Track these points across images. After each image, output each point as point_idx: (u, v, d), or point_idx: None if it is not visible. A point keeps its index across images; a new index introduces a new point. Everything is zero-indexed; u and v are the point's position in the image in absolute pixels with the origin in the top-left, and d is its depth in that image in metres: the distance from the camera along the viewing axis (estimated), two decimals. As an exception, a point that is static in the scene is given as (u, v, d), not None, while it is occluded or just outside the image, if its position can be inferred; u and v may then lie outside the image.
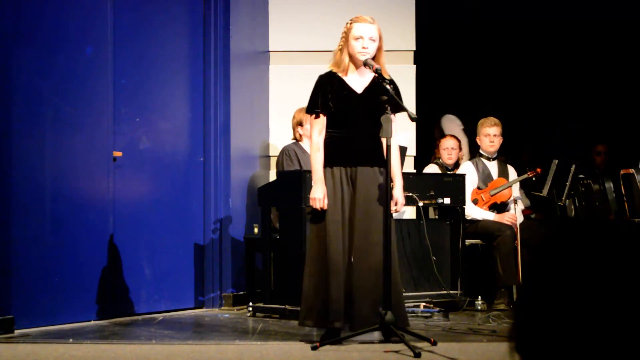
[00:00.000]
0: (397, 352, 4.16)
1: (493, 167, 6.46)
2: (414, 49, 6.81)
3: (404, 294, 5.31)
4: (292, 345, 4.50)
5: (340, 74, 4.60)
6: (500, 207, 6.36)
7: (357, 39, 4.52)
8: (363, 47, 4.51)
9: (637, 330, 1.56)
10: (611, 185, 7.21)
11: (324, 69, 4.67)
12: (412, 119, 4.41)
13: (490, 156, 6.45)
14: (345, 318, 4.43)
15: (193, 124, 6.19)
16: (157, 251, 5.87)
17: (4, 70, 4.96)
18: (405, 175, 5.69)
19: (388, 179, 4.39)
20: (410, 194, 5.70)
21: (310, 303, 4.48)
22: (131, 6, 5.75)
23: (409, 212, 6.50)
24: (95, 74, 5.48)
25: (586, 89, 9.08)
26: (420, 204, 5.78)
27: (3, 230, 4.90)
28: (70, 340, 4.66)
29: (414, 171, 6.72)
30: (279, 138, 6.60)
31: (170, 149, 6.03)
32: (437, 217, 6.61)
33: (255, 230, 6.15)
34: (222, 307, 6.16)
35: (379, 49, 4.56)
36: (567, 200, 7.23)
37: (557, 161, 6.74)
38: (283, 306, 5.51)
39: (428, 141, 8.13)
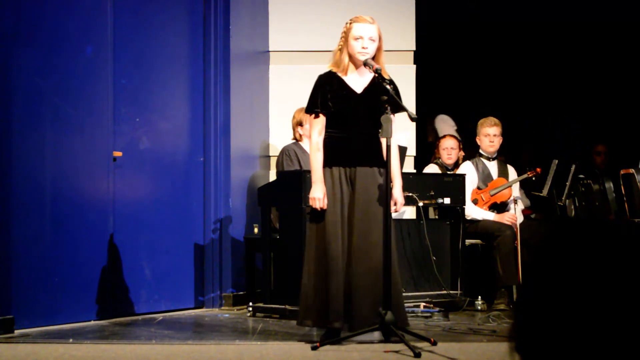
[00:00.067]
0: (397, 352, 4.16)
1: (493, 167, 6.46)
2: (414, 49, 6.81)
3: (404, 294, 5.31)
4: (292, 345, 4.50)
5: (340, 74, 4.60)
6: (500, 207, 6.36)
7: (356, 39, 4.52)
8: (363, 47, 4.51)
9: (637, 330, 1.56)
10: (611, 185, 7.21)
11: (324, 69, 4.67)
12: (412, 119, 4.41)
13: (490, 156, 6.45)
14: (344, 318, 4.43)
15: (193, 124, 6.19)
16: (157, 251, 5.87)
17: (4, 70, 4.96)
18: (405, 175, 5.69)
19: (388, 179, 4.39)
20: (410, 194, 5.70)
21: (310, 303, 4.48)
22: (131, 6, 5.75)
23: (409, 212, 6.50)
24: (95, 74, 5.48)
25: (586, 89, 9.08)
26: (420, 204, 5.78)
27: (3, 230, 4.90)
28: (70, 340, 4.66)
29: (414, 171, 6.72)
30: (279, 138, 6.60)
31: (170, 149, 6.03)
32: (437, 217, 6.61)
33: (255, 230, 6.15)
34: (222, 307, 6.16)
35: (379, 49, 4.56)
36: (567, 200, 7.23)
37: (557, 161, 6.73)
38: (283, 306, 5.51)
39: (428, 141, 8.13)
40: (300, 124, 6.13)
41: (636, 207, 6.37)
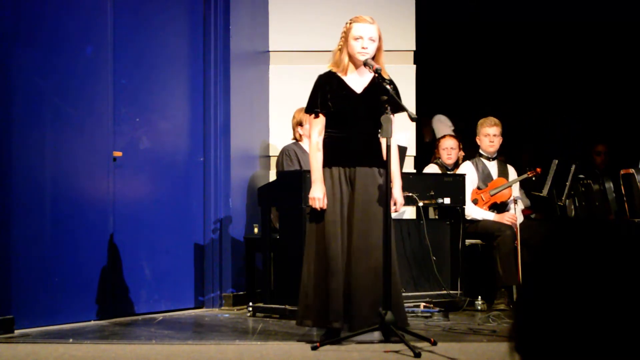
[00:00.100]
0: (397, 352, 4.16)
1: (493, 167, 6.46)
2: (414, 49, 6.81)
3: (404, 294, 5.31)
4: (292, 345, 4.50)
5: (339, 74, 4.60)
6: (500, 207, 6.36)
7: (356, 39, 4.52)
8: (363, 48, 4.51)
9: (637, 330, 1.56)
10: (611, 185, 7.21)
11: (324, 69, 4.67)
12: (412, 119, 4.41)
13: (490, 156, 6.45)
14: (344, 318, 4.43)
15: (193, 124, 6.19)
16: (157, 251, 5.87)
17: (4, 70, 4.96)
18: (405, 175, 5.69)
19: (388, 179, 4.39)
20: (410, 194, 5.71)
21: (310, 303, 4.48)
22: (131, 6, 5.75)
23: (409, 212, 6.50)
24: (95, 74, 5.48)
25: (586, 89, 9.08)
26: (420, 204, 5.78)
27: (3, 230, 4.90)
28: (70, 340, 4.65)
29: (414, 171, 6.72)
30: (279, 138, 6.60)
31: (170, 149, 6.03)
32: (437, 217, 6.60)
33: (255, 230, 6.15)
34: (222, 307, 6.16)
35: (379, 49, 4.56)
36: (567, 200, 7.23)
37: (557, 161, 6.74)
38: (283, 306, 5.51)
39: (432, 141, 8.13)
40: (300, 124, 6.13)
41: (636, 207, 6.37)
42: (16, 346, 4.53)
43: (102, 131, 5.51)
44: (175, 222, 6.00)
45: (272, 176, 6.55)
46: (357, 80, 4.60)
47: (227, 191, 6.23)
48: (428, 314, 5.52)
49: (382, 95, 4.39)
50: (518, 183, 6.56)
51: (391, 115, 4.33)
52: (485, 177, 6.40)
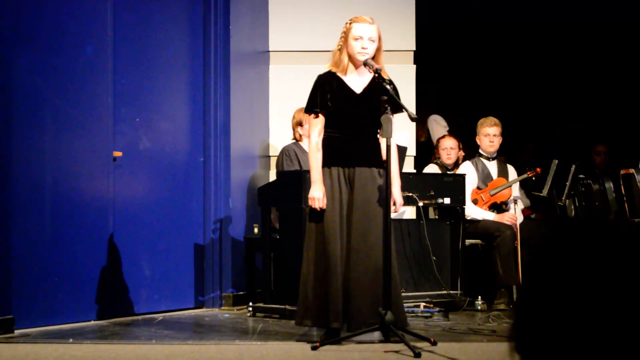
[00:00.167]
0: (397, 352, 4.16)
1: (493, 167, 6.46)
2: (414, 49, 6.81)
3: (404, 294, 5.32)
4: (292, 345, 4.50)
5: (339, 74, 4.60)
6: (500, 207, 6.36)
7: (356, 39, 4.52)
8: (362, 48, 4.51)
9: (637, 330, 1.56)
10: (611, 185, 7.21)
11: (324, 69, 4.67)
12: (412, 119, 4.40)
13: (489, 156, 6.45)
14: (343, 318, 4.43)
15: (193, 124, 6.19)
16: (157, 251, 5.87)
17: (4, 70, 4.96)
18: (405, 175, 5.70)
19: (388, 179, 4.39)
20: (410, 194, 5.71)
21: (309, 303, 4.48)
22: (131, 6, 5.75)
23: (409, 212, 6.50)
24: (95, 74, 5.48)
25: (586, 89, 9.08)
26: (420, 204, 5.78)
27: (3, 230, 4.90)
28: (70, 340, 4.66)
29: (414, 171, 6.72)
30: (279, 138, 6.60)
31: (170, 149, 6.03)
32: (437, 217, 6.60)
33: (255, 230, 6.15)
34: (222, 307, 6.16)
35: (378, 49, 4.56)
36: (567, 200, 7.23)
37: (557, 161, 6.74)
38: (283, 306, 5.51)
39: (428, 141, 8.13)
40: (300, 124, 6.13)
41: (636, 207, 6.37)
42: (16, 346, 4.53)
43: (102, 131, 5.51)
44: (175, 222, 6.00)
45: (272, 176, 6.55)
46: (357, 81, 4.60)
47: (227, 191, 6.23)
48: (428, 314, 5.52)
49: (382, 96, 4.39)
50: (518, 183, 6.56)
51: (391, 115, 4.33)
52: (485, 177, 6.40)
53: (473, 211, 6.28)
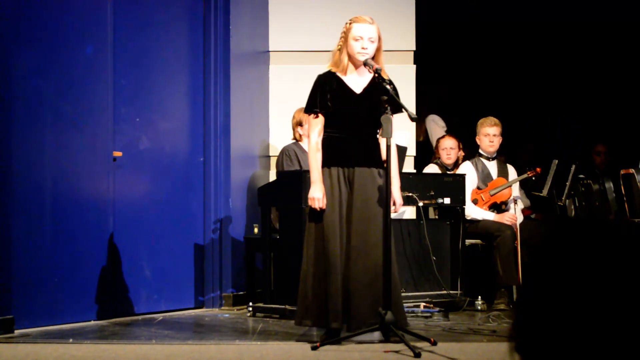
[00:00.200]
0: (397, 352, 4.16)
1: (492, 167, 6.46)
2: (414, 49, 6.81)
3: (404, 294, 5.32)
4: (292, 345, 4.50)
5: (339, 74, 4.60)
6: (500, 207, 6.36)
7: (356, 39, 4.52)
8: (362, 48, 4.51)
9: (637, 330, 1.56)
10: (611, 185, 7.21)
11: (324, 69, 4.67)
12: (412, 119, 4.40)
13: (489, 156, 6.45)
14: (343, 318, 4.43)
15: (193, 124, 6.19)
16: (157, 251, 5.87)
17: (4, 70, 4.96)
18: (405, 175, 5.70)
19: (389, 179, 4.39)
20: (410, 194, 5.70)
21: (309, 303, 4.48)
22: (131, 6, 5.75)
23: (409, 212, 6.50)
24: (95, 74, 5.48)
25: (586, 89, 9.08)
26: (420, 204, 5.78)
27: (3, 230, 4.90)
28: (70, 340, 4.66)
29: (414, 171, 6.72)
30: (279, 138, 6.60)
31: (170, 149, 6.03)
32: (437, 217, 6.60)
33: (255, 230, 6.15)
34: (222, 307, 6.16)
35: (378, 49, 4.56)
36: (567, 200, 7.23)
37: (557, 161, 6.74)
38: (283, 306, 5.51)
39: (426, 141, 8.14)
40: (300, 124, 6.13)
41: (636, 207, 6.37)
42: (16, 346, 4.53)
43: (102, 131, 5.51)
44: (175, 222, 6.00)
45: (272, 176, 6.55)
46: (357, 81, 4.60)
47: (227, 191, 6.23)
48: (428, 314, 5.52)
49: (381, 96, 4.39)
50: (518, 183, 6.56)
51: (391, 116, 4.33)
52: (485, 177, 6.40)
53: (473, 211, 6.28)
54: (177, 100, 6.10)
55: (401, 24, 6.75)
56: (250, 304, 5.75)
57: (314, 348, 4.26)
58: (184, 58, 6.15)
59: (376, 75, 4.44)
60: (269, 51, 6.82)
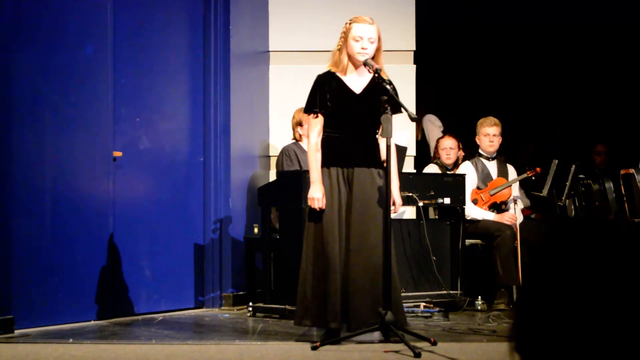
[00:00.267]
0: (397, 352, 4.16)
1: (492, 166, 6.46)
2: (414, 49, 6.81)
3: (404, 294, 5.32)
4: (292, 345, 4.50)
5: (339, 74, 4.60)
6: (500, 207, 6.36)
7: (356, 39, 4.52)
8: (362, 48, 4.51)
9: (637, 330, 1.56)
10: (611, 185, 7.21)
11: (324, 69, 4.67)
12: (412, 119, 4.40)
13: (489, 156, 6.45)
14: (342, 318, 4.43)
15: (193, 124, 6.19)
16: (157, 251, 5.87)
17: (4, 70, 4.96)
18: (405, 175, 5.70)
19: (389, 179, 4.39)
20: (410, 194, 5.70)
21: (308, 303, 4.48)
22: (131, 6, 5.75)
23: (409, 212, 6.50)
24: (95, 73, 5.48)
25: (586, 89, 9.08)
26: (420, 204, 5.78)
27: (3, 230, 4.89)
28: (70, 340, 4.66)
29: (414, 171, 6.72)
30: (279, 138, 6.60)
31: (170, 149, 6.03)
32: (437, 217, 6.60)
33: (255, 230, 6.15)
34: (222, 307, 6.16)
35: (378, 49, 4.56)
36: (567, 200, 7.23)
37: (557, 161, 6.73)
38: (283, 306, 5.51)
39: (422, 141, 8.14)
40: (300, 124, 6.13)
41: (636, 207, 6.37)
42: (16, 346, 4.53)
43: (102, 131, 5.51)
44: (175, 222, 6.00)
45: (272, 176, 6.55)
46: (357, 81, 4.60)
47: (227, 191, 6.23)
48: (428, 314, 5.52)
49: (381, 96, 4.39)
50: (518, 183, 6.56)
51: (390, 116, 4.33)
52: (484, 177, 6.40)
53: (473, 211, 6.28)
54: (177, 100, 6.10)
55: (401, 24, 6.75)
56: (250, 304, 5.75)
57: (314, 348, 4.26)
58: (184, 58, 6.15)
59: (376, 75, 4.44)
60: (269, 51, 6.82)
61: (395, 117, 4.42)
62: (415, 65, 6.81)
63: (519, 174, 6.54)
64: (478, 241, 6.28)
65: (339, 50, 4.59)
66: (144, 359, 4.24)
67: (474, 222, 6.25)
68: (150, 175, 5.89)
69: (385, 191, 4.41)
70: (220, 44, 6.27)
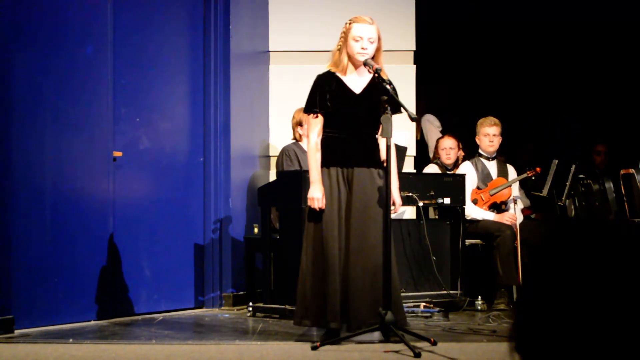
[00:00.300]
0: (397, 352, 4.16)
1: (492, 166, 6.46)
2: (414, 49, 6.81)
3: (404, 294, 5.32)
4: (292, 345, 4.50)
5: (338, 74, 4.60)
6: (500, 207, 6.35)
7: (356, 39, 4.52)
8: (362, 48, 4.51)
9: (637, 330, 1.56)
10: (611, 185, 7.21)
11: (324, 69, 4.67)
12: (412, 119, 4.40)
13: (489, 156, 6.45)
14: (342, 318, 4.43)
15: (193, 124, 6.19)
16: (157, 251, 5.87)
17: (4, 70, 4.96)
18: (405, 175, 5.70)
19: (389, 179, 4.39)
20: (410, 194, 5.70)
21: (308, 303, 4.48)
22: (131, 5, 5.75)
23: (409, 212, 6.50)
24: (95, 73, 5.48)
25: (586, 89, 9.08)
26: (420, 204, 5.78)
27: (3, 230, 4.90)
28: (70, 340, 4.66)
29: (414, 171, 6.72)
30: (279, 138, 6.60)
31: (170, 149, 6.03)
32: (437, 217, 6.60)
33: (255, 230, 6.15)
34: (222, 307, 6.16)
35: (378, 49, 4.56)
36: (567, 200, 7.23)
37: (557, 161, 6.73)
38: (283, 306, 5.51)
39: (421, 140, 8.14)
40: (300, 124, 6.13)
41: (636, 207, 6.37)
42: (16, 346, 4.53)
43: (102, 131, 5.51)
44: (175, 222, 6.00)
45: (272, 176, 6.55)
46: (356, 81, 4.60)
47: (227, 191, 6.23)
48: (428, 314, 5.52)
49: (381, 96, 4.38)
50: (518, 183, 6.56)
51: (390, 116, 4.33)
52: (484, 177, 6.40)
53: (473, 211, 6.28)
54: (177, 100, 6.10)
55: (401, 24, 6.75)
56: (250, 304, 5.75)
57: (314, 348, 4.26)
58: (183, 58, 6.15)
59: (376, 75, 4.43)
60: (269, 51, 6.82)
61: (395, 117, 4.42)
62: (415, 65, 6.81)
63: (519, 174, 6.54)
64: (478, 241, 6.28)
65: (339, 50, 4.59)
66: (144, 359, 4.24)
67: (474, 222, 6.25)
68: (150, 175, 5.89)
69: (385, 191, 4.41)
70: (220, 44, 6.27)
